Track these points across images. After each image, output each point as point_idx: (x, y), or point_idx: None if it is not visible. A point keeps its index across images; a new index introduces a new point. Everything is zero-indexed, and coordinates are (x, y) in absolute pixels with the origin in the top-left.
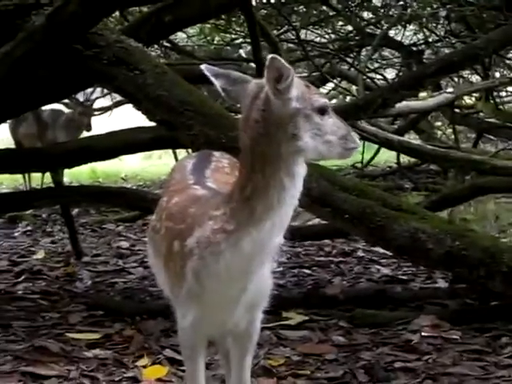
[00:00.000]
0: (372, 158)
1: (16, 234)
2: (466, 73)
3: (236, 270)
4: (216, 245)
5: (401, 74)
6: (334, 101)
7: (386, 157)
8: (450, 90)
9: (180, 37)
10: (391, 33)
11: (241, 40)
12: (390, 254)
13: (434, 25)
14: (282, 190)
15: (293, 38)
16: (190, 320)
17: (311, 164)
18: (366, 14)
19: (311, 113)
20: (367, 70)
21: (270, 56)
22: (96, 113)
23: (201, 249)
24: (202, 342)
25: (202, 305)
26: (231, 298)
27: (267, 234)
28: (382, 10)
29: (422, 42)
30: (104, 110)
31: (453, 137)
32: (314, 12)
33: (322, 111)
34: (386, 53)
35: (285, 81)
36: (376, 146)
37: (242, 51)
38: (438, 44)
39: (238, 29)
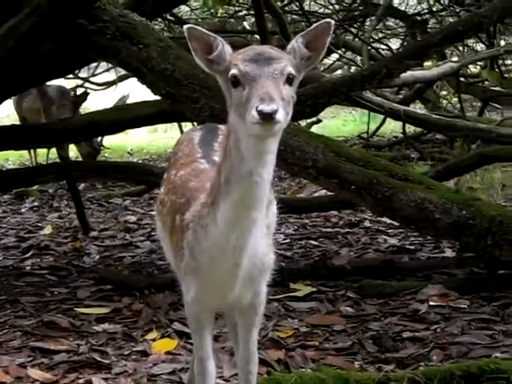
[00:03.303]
0: (378, 129)
1: (23, 210)
2: (470, 42)
3: (221, 244)
4: (203, 218)
5: (405, 43)
6: (338, 71)
7: (392, 127)
8: (454, 59)
9: (183, 10)
10: (395, 2)
11: (244, 12)
12: (397, 224)
13: None
14: (237, 164)
15: (297, 9)
16: (192, 294)
17: (317, 135)
18: None
19: (229, 84)
20: (372, 40)
21: (186, 26)
22: (101, 87)
23: (194, 223)
24: (206, 314)
25: (200, 279)
26: (226, 273)
27: (235, 208)
28: None
29: (426, 11)
30: (109, 84)
31: (458, 106)
32: None
33: (234, 84)
34: (391, 23)
35: (215, 50)
36: (382, 117)
37: (245, 23)
38: (443, 13)
39: (241, 1)
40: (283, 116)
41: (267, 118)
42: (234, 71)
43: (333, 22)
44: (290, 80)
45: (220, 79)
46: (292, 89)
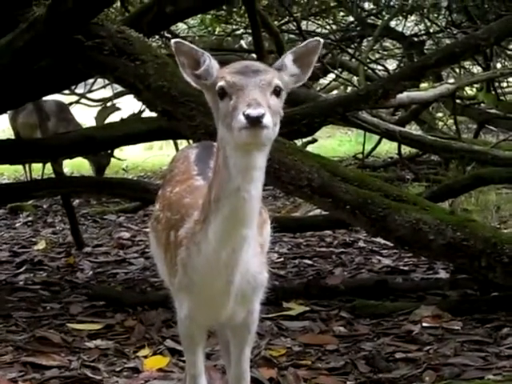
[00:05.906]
0: (373, 149)
1: (17, 225)
2: (467, 63)
3: (213, 261)
4: (196, 235)
5: (402, 64)
6: (335, 91)
7: (387, 148)
8: (451, 80)
9: (181, 27)
10: (392, 23)
11: (242, 31)
12: (391, 244)
13: (436, 15)
14: (225, 181)
15: (294, 28)
16: (185, 311)
17: (312, 155)
18: (367, 5)
19: (216, 98)
20: (368, 60)
21: (173, 41)
22: (97, 103)
23: (188, 239)
24: (199, 332)
25: (193, 296)
26: (219, 290)
27: (226, 225)
28: (384, 1)
29: (423, 32)
30: (105, 100)
31: (454, 127)
32: (315, 2)
33: (221, 95)
34: (387, 43)
35: (203, 65)
36: (377, 137)
37: (243, 42)
38: (440, 35)
39: (238, 19)
40: (271, 122)
41: (254, 121)
42: (221, 83)
43: (322, 40)
44: (277, 92)
45: (207, 94)
46: (279, 101)
